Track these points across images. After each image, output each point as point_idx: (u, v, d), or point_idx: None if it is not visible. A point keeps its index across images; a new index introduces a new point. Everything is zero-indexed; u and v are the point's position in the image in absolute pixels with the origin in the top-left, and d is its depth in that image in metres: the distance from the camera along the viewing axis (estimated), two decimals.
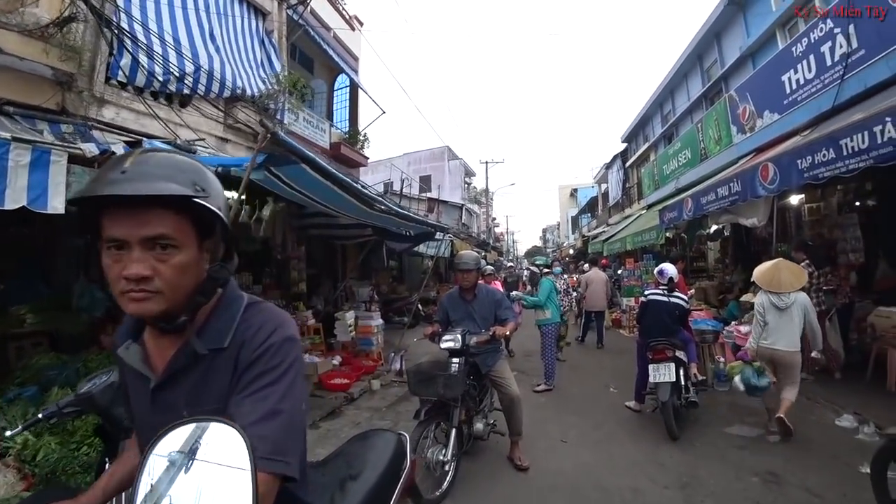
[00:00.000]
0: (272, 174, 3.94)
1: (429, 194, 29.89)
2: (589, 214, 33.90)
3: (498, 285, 7.71)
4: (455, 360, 3.48)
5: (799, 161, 4.92)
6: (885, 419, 4.26)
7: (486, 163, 34.33)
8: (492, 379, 3.92)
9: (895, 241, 6.50)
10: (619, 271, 14.42)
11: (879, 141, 3.95)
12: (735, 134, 10.17)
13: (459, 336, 3.51)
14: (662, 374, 4.29)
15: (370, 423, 4.93)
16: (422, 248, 11.75)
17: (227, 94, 6.55)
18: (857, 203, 7.02)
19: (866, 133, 4.09)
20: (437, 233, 8.34)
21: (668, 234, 10.61)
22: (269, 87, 7.27)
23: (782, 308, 4.31)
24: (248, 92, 6.93)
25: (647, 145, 18.53)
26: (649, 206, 15.79)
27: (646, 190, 16.57)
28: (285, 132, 8.00)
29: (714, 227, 11.59)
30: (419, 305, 11.25)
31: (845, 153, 4.31)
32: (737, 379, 4.55)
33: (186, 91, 6.03)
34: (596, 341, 9.34)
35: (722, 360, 5.59)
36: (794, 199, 7.32)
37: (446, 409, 3.43)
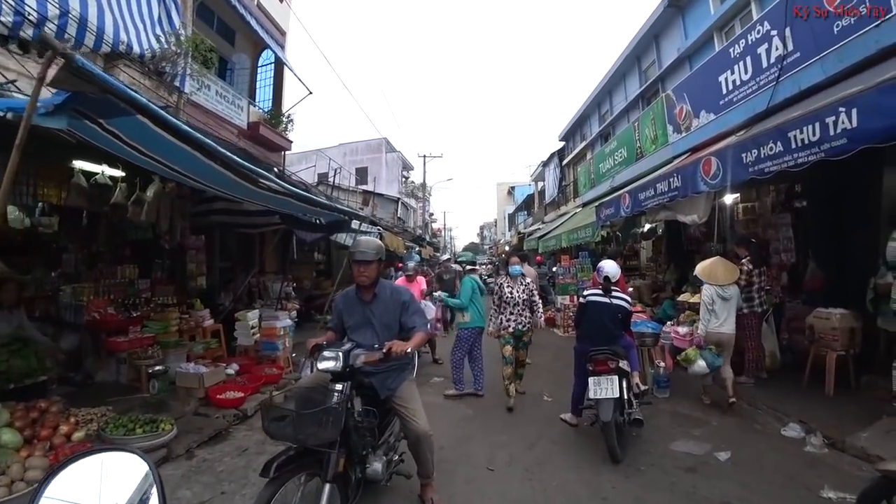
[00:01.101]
0: (104, 130, 2.97)
1: (364, 187, 28.92)
2: (525, 212, 34.16)
3: (421, 284, 7.10)
4: (337, 385, 2.59)
5: (744, 155, 4.63)
6: (829, 427, 4.07)
7: (424, 157, 33.66)
8: (394, 406, 3.05)
9: (823, 241, 6.49)
10: (555, 269, 14.27)
11: (832, 132, 3.66)
12: (671, 133, 10.12)
13: (341, 354, 2.59)
14: (605, 388, 3.77)
15: (261, 448, 4.02)
16: (347, 239, 10.91)
17: (104, 48, 5.46)
18: (787, 204, 7.01)
19: (817, 124, 3.80)
20: (355, 222, 7.58)
21: (603, 233, 10.43)
22: (165, 48, 6.21)
23: (727, 298, 5.00)
24: (136, 50, 5.84)
25: (584, 144, 18.62)
26: (585, 205, 15.76)
27: (582, 188, 16.57)
28: (186, 103, 6.97)
29: (648, 226, 11.63)
30: None
31: (794, 146, 4.03)
32: (700, 363, 4.95)
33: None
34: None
35: (662, 364, 5.26)
36: (729, 199, 7.21)
37: (319, 456, 2.45)
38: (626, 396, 3.86)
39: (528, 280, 5.50)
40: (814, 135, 3.83)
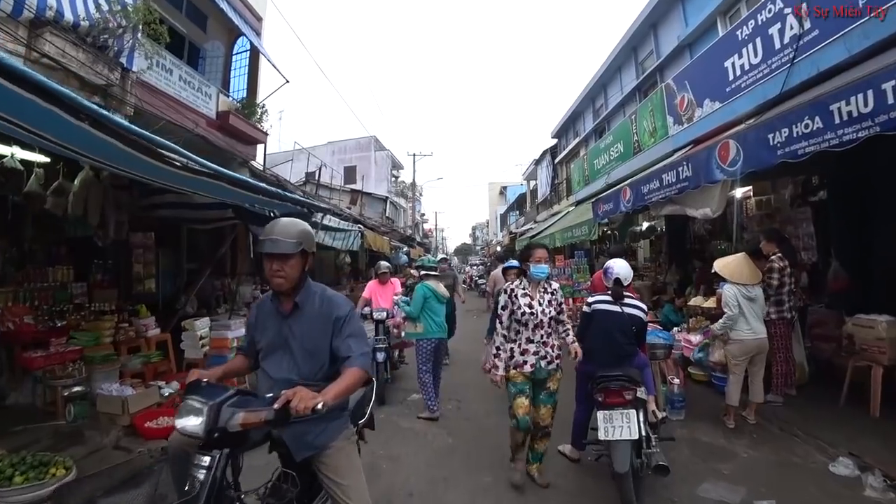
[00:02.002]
0: None
1: (352, 186, 28.16)
2: (517, 212, 33.54)
3: (395, 287, 6.38)
4: (204, 458, 1.70)
5: (770, 136, 3.94)
6: (888, 463, 3.32)
7: (414, 155, 32.90)
8: (318, 475, 2.08)
9: (846, 238, 5.84)
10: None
11: (891, 101, 2.98)
12: (671, 125, 9.51)
13: (206, 409, 1.71)
14: (619, 427, 2.87)
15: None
16: (326, 238, 10.14)
17: (27, 13, 4.67)
18: (804, 197, 6.35)
19: (870, 93, 3.12)
20: (319, 215, 6.84)
21: (599, 231, 9.75)
22: (106, 17, 5.43)
23: (752, 298, 4.40)
24: (69, 18, 5.06)
25: (577, 140, 17.98)
26: (578, 203, 15.17)
27: (575, 186, 15.94)
28: (134, 84, 6.19)
29: (647, 224, 10.99)
30: None
31: (838, 120, 3.34)
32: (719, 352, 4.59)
33: None
34: None
35: (676, 381, 4.53)
36: (739, 192, 6.56)
37: None
38: (643, 433, 3.00)
39: (556, 286, 3.69)
40: (865, 106, 3.15)
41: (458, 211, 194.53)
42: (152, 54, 6.28)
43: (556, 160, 20.67)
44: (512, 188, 40.18)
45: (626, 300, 3.53)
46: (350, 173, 31.80)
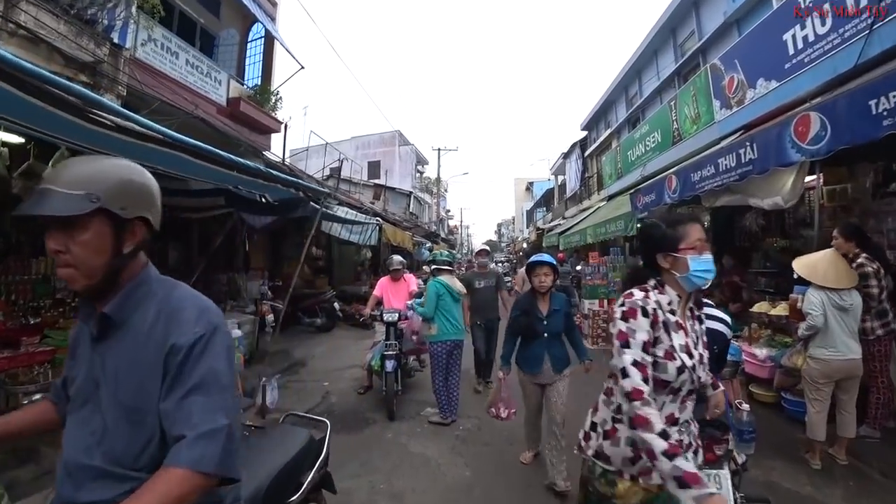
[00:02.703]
0: None
1: (376, 181, 27.76)
2: (544, 208, 32.58)
3: (410, 284, 5.73)
4: None
5: (873, 102, 3.15)
6: None
7: (439, 150, 32.23)
8: None
9: None
10: (579, 267, 12.77)
11: None
12: (718, 110, 8.64)
13: None
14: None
15: None
16: (343, 232, 9.60)
17: None
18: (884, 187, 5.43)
19: None
20: (341, 208, 6.27)
21: (638, 225, 8.92)
22: None
23: (845, 308, 3.52)
24: None
25: (608, 132, 17.05)
26: (610, 197, 14.31)
27: (607, 179, 15.05)
28: (127, 61, 5.70)
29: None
30: (336, 303, 9.12)
31: None
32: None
33: None
34: None
35: (746, 407, 3.73)
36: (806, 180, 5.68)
37: None
38: (737, 497, 2.07)
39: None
40: None
41: (483, 207, 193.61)
42: (148, 29, 5.77)
43: (586, 153, 19.77)
44: (539, 183, 39.22)
45: (707, 310, 2.26)
46: (374, 168, 31.47)
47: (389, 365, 4.67)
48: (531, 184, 44.19)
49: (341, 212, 9.20)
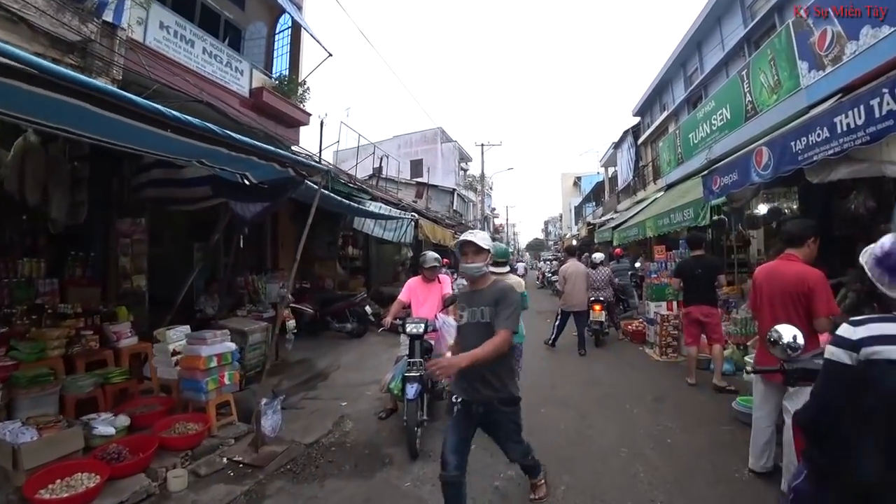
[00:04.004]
0: None
1: (418, 179, 27.22)
2: (593, 203, 30.98)
3: (445, 286, 4.82)
4: None
5: None
6: None
7: (482, 145, 31.30)
8: None
9: None
10: (637, 264, 11.53)
11: None
12: (804, 73, 7.31)
13: None
14: None
15: None
16: (376, 229, 8.89)
17: None
18: None
19: None
20: (370, 202, 5.52)
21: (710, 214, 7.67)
22: None
23: None
24: None
25: (664, 115, 15.59)
26: (669, 186, 12.95)
27: (664, 167, 13.64)
28: (123, 42, 5.16)
29: (764, 206, 8.73)
30: (369, 307, 8.40)
31: None
32: None
33: None
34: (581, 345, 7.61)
35: None
36: None
37: None
38: None
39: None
40: None
41: (529, 205, 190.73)
42: (144, 6, 5.21)
43: (640, 141, 18.31)
44: (587, 178, 37.48)
45: None
46: (416, 167, 31.00)
47: (411, 391, 3.72)
48: (579, 178, 42.39)
49: (374, 207, 8.50)
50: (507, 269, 5.05)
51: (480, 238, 2.75)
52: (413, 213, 9.27)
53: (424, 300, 4.70)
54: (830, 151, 3.94)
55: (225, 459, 3.41)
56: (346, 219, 8.75)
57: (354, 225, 8.69)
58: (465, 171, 37.75)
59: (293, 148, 9.65)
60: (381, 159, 18.23)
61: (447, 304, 4.23)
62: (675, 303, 6.97)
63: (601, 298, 7.97)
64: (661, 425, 4.14)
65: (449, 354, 4.07)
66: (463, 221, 27.93)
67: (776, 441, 3.14)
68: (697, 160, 10.94)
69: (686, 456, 3.59)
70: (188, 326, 4.29)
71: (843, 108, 3.85)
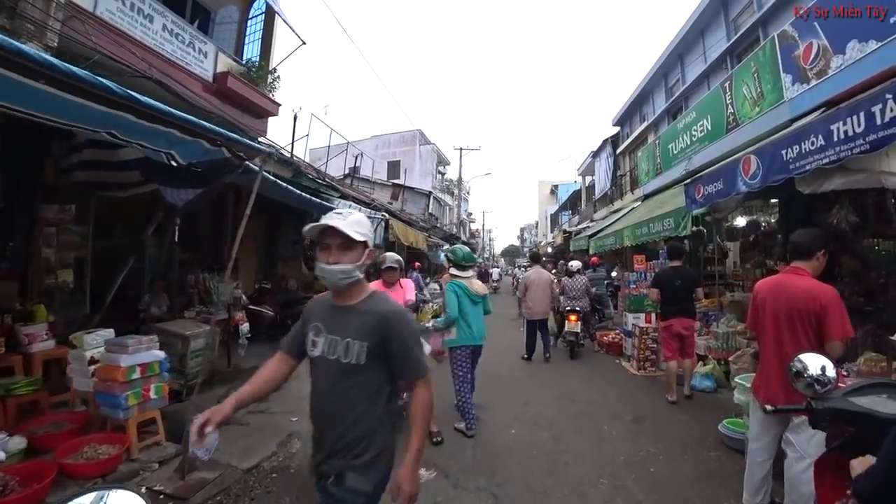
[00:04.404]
0: None
1: (394, 181, 26.77)
2: (570, 211, 31.01)
3: (407, 292, 4.40)
4: None
5: None
6: None
7: (461, 149, 31.03)
8: None
9: None
10: (614, 273, 11.34)
11: None
12: (788, 86, 7.22)
13: None
14: None
15: None
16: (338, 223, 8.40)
17: None
18: None
19: None
20: (338, 200, 5.07)
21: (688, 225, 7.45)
22: None
23: None
24: None
25: (644, 125, 15.55)
26: (647, 197, 12.84)
27: (642, 177, 13.56)
28: (58, 9, 4.61)
29: (743, 219, 8.61)
30: None
31: None
32: None
33: None
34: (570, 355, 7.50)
35: None
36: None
37: None
38: None
39: None
40: None
41: (506, 212, 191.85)
42: None
43: (618, 150, 18.27)
44: (564, 186, 37.63)
45: None
46: (393, 168, 30.54)
47: None
48: (556, 186, 42.56)
49: (343, 205, 8.02)
50: (473, 273, 4.73)
51: (351, 223, 1.77)
52: (384, 214, 8.79)
53: None
54: (825, 160, 3.69)
55: (143, 489, 2.90)
56: (312, 217, 8.24)
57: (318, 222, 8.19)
58: (443, 174, 37.42)
59: (260, 139, 9.12)
60: (357, 158, 17.71)
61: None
62: (653, 315, 6.71)
63: (577, 308, 7.66)
64: (642, 450, 3.79)
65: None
66: (438, 225, 27.56)
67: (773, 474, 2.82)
68: (676, 171, 10.83)
69: (671, 487, 3.25)
70: (112, 330, 3.72)
71: (841, 115, 3.61)
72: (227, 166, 3.24)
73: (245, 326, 5.82)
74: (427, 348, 3.88)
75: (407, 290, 4.37)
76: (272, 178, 5.39)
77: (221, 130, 2.92)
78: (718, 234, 8.47)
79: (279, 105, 9.11)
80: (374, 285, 4.24)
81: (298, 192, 5.86)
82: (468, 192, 47.91)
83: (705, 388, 5.44)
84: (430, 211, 27.13)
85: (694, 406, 5.08)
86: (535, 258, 9.02)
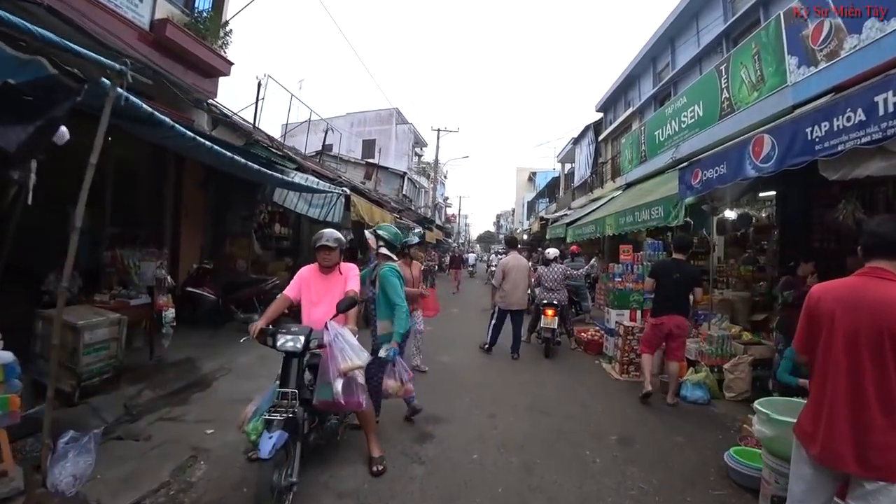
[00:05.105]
0: None
1: (368, 160, 25.77)
2: (547, 199, 30.51)
3: (351, 281, 3.52)
4: None
5: None
6: None
7: (438, 130, 30.05)
8: None
9: None
10: (593, 261, 10.72)
11: None
12: (793, 69, 6.65)
13: None
14: None
15: None
16: (300, 204, 7.52)
17: None
18: None
19: None
20: (294, 173, 4.17)
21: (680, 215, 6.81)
22: None
23: None
24: None
25: (629, 111, 14.94)
26: (629, 185, 12.29)
27: (625, 165, 12.98)
28: None
29: (732, 213, 8.03)
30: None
31: None
32: None
33: None
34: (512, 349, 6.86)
35: None
36: None
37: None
38: None
39: None
40: None
41: (483, 197, 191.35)
42: None
43: (601, 137, 17.68)
44: (542, 174, 37.16)
45: None
46: (368, 147, 29.50)
47: (267, 444, 2.36)
48: (534, 174, 42.05)
49: (300, 178, 7.13)
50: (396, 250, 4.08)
51: None
52: (343, 189, 7.90)
53: (320, 298, 3.28)
54: (865, 139, 3.04)
55: None
56: (265, 190, 7.34)
57: (275, 198, 7.29)
58: (420, 156, 36.40)
59: (210, 102, 8.09)
60: (326, 132, 16.64)
61: (342, 307, 3.01)
62: (639, 312, 6.09)
63: (554, 302, 6.97)
64: (633, 488, 3.08)
65: (339, 382, 2.83)
66: (413, 207, 26.68)
67: None
68: (662, 159, 10.28)
69: None
70: None
71: (892, 82, 2.95)
72: (62, 91, 2.33)
73: (170, 313, 4.95)
74: (344, 361, 2.84)
75: (349, 278, 3.37)
76: (206, 142, 4.50)
77: (35, 29, 2.02)
78: (703, 227, 7.84)
79: (231, 64, 8.07)
80: (310, 269, 3.44)
81: (245, 161, 4.96)
82: (445, 176, 46.96)
83: (697, 398, 4.82)
84: (404, 192, 26.20)
85: (688, 422, 4.44)
86: (512, 243, 8.19)
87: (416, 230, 18.86)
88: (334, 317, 2.99)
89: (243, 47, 18.21)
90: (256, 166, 5.87)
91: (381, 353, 3.48)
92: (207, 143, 4.72)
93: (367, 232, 3.62)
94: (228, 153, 4.51)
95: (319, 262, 3.36)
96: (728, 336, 5.11)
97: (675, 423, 4.40)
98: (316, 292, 3.32)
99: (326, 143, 20.58)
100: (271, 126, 15.51)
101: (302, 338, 2.81)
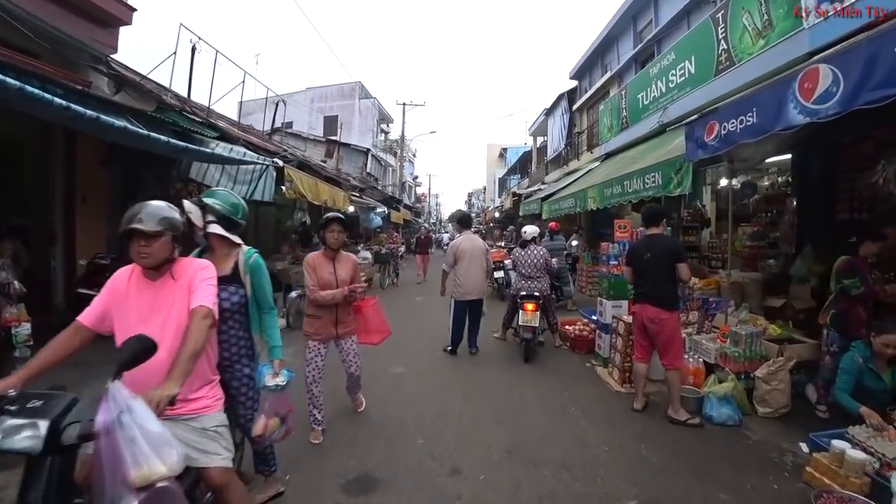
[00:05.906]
0: None
1: (330, 137, 24.16)
2: (519, 175, 29.46)
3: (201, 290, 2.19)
4: None
5: None
6: None
7: (404, 104, 28.45)
8: None
9: None
10: (574, 241, 9.67)
11: None
12: (811, 8, 5.54)
13: None
14: None
15: None
16: (222, 178, 6.16)
17: None
18: None
19: None
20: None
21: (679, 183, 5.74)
22: None
23: None
24: None
25: (608, 76, 13.82)
26: (608, 156, 11.26)
27: (604, 133, 11.90)
28: None
29: (738, 180, 7.03)
30: None
31: None
32: None
33: None
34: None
35: None
36: None
37: None
38: None
39: None
40: None
41: (454, 176, 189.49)
42: None
43: (575, 107, 16.58)
44: (513, 149, 36.10)
45: None
46: (330, 124, 27.74)
47: None
48: (505, 150, 40.92)
49: (222, 149, 5.78)
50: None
51: None
52: (274, 160, 6.47)
53: (143, 324, 1.86)
54: None
55: None
56: (180, 165, 5.96)
57: (192, 174, 5.91)
58: (387, 133, 34.71)
59: (110, 57, 6.59)
60: (277, 105, 14.97)
61: (123, 362, 1.47)
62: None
63: (535, 293, 5.79)
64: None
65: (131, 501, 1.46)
66: (378, 186, 25.24)
67: None
68: (646, 125, 9.24)
69: None
70: None
71: None
72: None
73: (25, 329, 3.62)
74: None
75: (193, 285, 1.95)
76: (90, 112, 3.19)
77: None
78: (693, 198, 6.69)
79: (133, 10, 6.54)
80: (122, 276, 2.13)
81: (125, 125, 3.63)
82: (414, 155, 45.30)
83: (726, 419, 3.69)
84: (368, 170, 24.69)
85: (723, 461, 3.25)
86: (465, 221, 6.59)
87: (379, 209, 17.62)
88: (118, 377, 1.57)
89: None
90: (164, 138, 4.55)
91: (268, 382, 2.43)
92: (91, 112, 3.47)
93: (186, 202, 2.16)
94: (121, 123, 3.23)
95: (135, 261, 1.92)
96: (757, 333, 4.04)
97: (708, 465, 3.20)
98: (137, 313, 1.91)
99: (286, 119, 18.95)
100: (228, 106, 13.94)
101: (46, 422, 1.40)
